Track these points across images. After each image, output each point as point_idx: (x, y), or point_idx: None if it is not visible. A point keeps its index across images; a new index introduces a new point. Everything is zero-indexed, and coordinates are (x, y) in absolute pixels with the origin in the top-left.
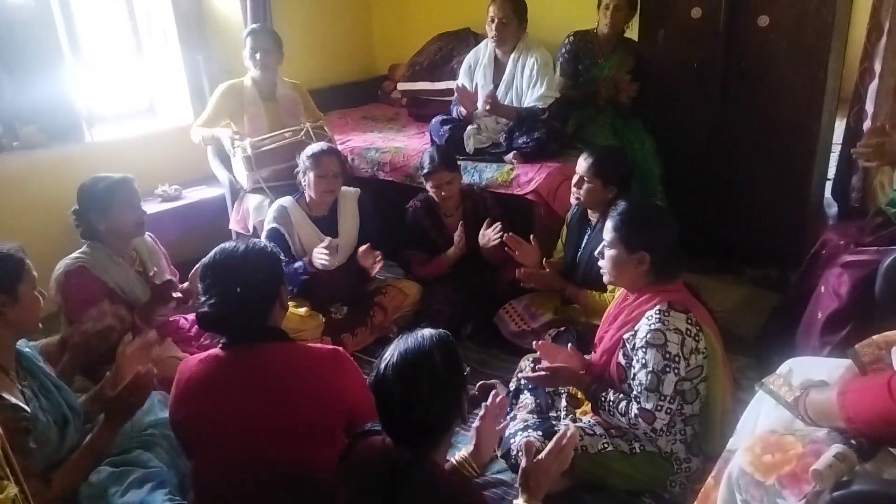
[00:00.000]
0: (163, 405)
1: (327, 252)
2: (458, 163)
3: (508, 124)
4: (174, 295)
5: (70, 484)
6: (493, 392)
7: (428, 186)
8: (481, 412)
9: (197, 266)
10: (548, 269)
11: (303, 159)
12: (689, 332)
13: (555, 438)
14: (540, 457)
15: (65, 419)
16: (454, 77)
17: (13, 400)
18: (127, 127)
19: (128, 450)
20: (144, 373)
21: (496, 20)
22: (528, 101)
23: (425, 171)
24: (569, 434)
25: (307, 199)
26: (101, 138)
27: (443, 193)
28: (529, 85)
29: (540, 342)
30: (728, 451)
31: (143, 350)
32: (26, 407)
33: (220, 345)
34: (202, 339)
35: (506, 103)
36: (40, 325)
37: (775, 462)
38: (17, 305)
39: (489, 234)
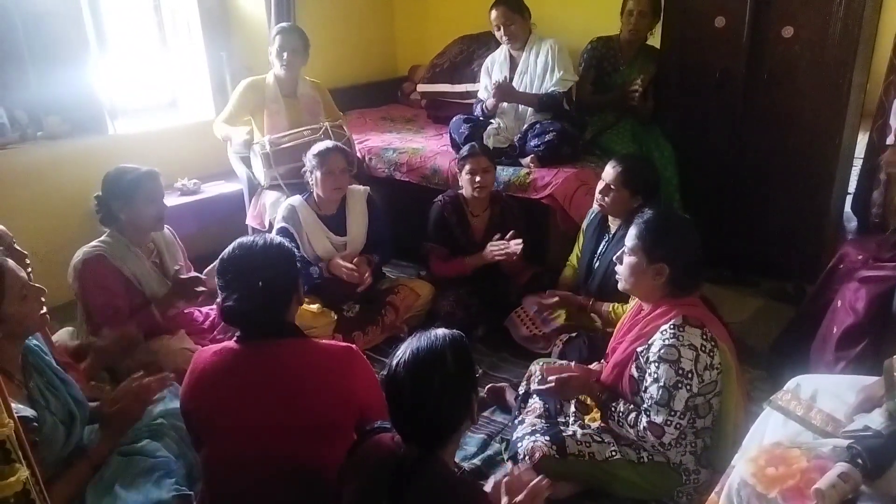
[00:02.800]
0: (173, 396)
1: (357, 269)
2: None
3: (527, 124)
4: (198, 289)
5: (67, 496)
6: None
7: (463, 173)
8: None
9: (215, 263)
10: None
11: (309, 158)
12: (703, 348)
13: (533, 482)
14: (518, 499)
15: (71, 416)
16: (474, 80)
17: (21, 411)
18: (149, 120)
19: (137, 439)
20: (147, 385)
21: (501, 27)
22: (547, 85)
23: (465, 153)
24: (543, 483)
25: (316, 198)
26: (124, 131)
27: (477, 179)
28: (546, 71)
29: (545, 365)
30: (732, 467)
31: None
32: (33, 414)
33: (234, 338)
34: (215, 333)
35: (522, 90)
36: (47, 317)
37: (778, 475)
38: (6, 323)
39: (493, 251)
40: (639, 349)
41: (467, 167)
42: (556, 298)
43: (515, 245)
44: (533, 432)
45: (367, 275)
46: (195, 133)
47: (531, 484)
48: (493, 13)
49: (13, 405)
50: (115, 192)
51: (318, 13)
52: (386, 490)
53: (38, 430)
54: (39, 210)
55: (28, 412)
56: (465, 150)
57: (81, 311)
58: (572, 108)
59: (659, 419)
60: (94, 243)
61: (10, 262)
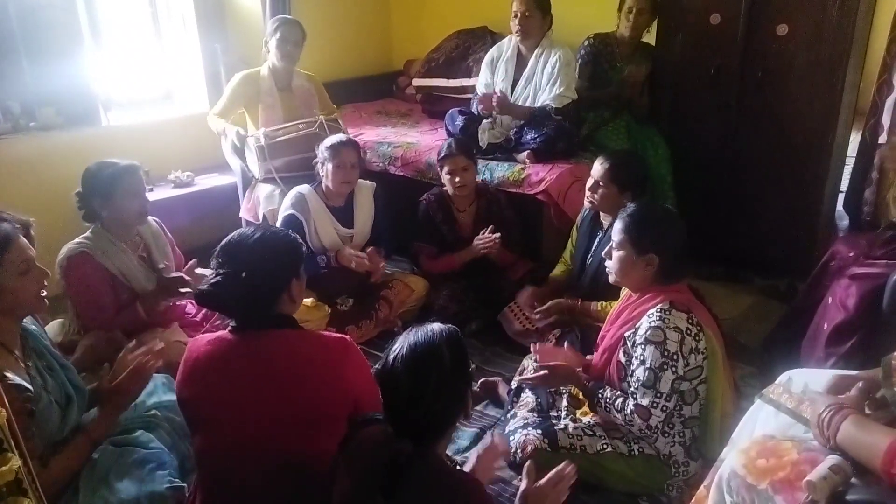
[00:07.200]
0: (167, 388)
1: (366, 256)
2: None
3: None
4: (182, 290)
5: (67, 469)
6: (492, 434)
7: (443, 174)
8: (484, 444)
9: (193, 261)
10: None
11: (321, 150)
12: (689, 332)
13: (555, 469)
14: (539, 483)
15: (68, 398)
16: (470, 74)
17: (17, 380)
18: (143, 112)
19: (130, 430)
20: (145, 363)
21: (519, 14)
22: (544, 98)
23: (442, 155)
24: (567, 470)
25: (324, 189)
26: (117, 123)
27: (457, 180)
28: (549, 82)
29: (538, 345)
30: (721, 460)
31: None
32: (30, 386)
33: (228, 328)
34: (207, 326)
35: (524, 97)
36: (46, 301)
37: (769, 467)
38: (3, 295)
39: (478, 244)
40: (626, 334)
41: (446, 168)
42: (547, 305)
43: (495, 235)
44: (525, 426)
45: (381, 264)
46: (189, 125)
47: (554, 470)
48: (517, 1)
49: (10, 374)
50: (94, 188)
51: (314, 6)
52: (379, 485)
53: (34, 400)
54: (32, 201)
55: (23, 382)
56: (442, 150)
57: (72, 306)
58: (565, 117)
59: (645, 401)
60: (77, 240)
61: (21, 238)
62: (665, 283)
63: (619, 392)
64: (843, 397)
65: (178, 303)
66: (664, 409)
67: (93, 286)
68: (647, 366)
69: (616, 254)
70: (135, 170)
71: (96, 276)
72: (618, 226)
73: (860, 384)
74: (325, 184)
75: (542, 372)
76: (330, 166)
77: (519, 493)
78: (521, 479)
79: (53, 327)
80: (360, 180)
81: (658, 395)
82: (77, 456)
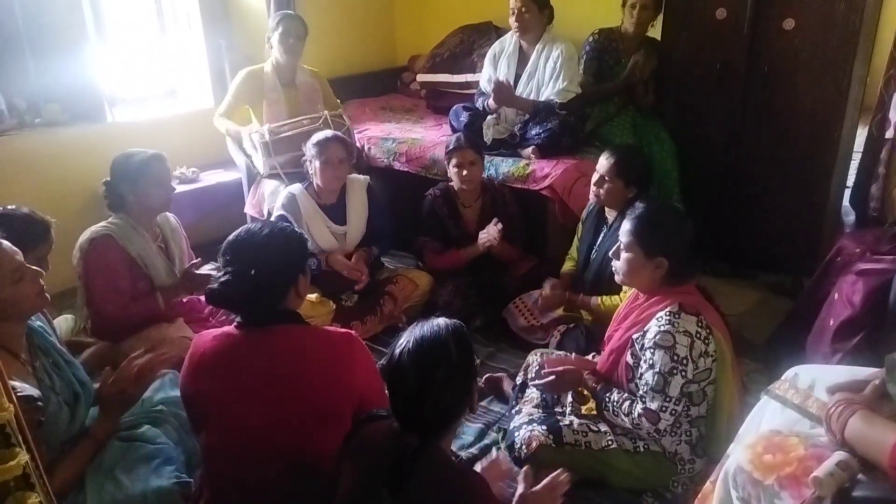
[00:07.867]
0: (173, 384)
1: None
2: None
3: (526, 116)
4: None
5: (71, 475)
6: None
7: (450, 167)
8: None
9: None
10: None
11: (308, 147)
12: (698, 335)
13: (552, 475)
14: (536, 488)
15: (75, 396)
16: (474, 70)
17: (26, 390)
18: (148, 109)
19: (136, 425)
20: (147, 366)
21: (515, 10)
22: (548, 92)
23: (451, 147)
24: (562, 478)
25: (315, 187)
26: (123, 119)
27: (464, 173)
28: (551, 77)
29: (545, 356)
30: (727, 456)
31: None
32: (38, 393)
33: (234, 323)
34: (213, 321)
35: (526, 93)
36: (48, 297)
37: (776, 462)
38: (2, 306)
39: (483, 237)
40: (634, 336)
41: (454, 161)
42: (548, 291)
43: (496, 229)
44: (530, 422)
45: (364, 274)
46: (194, 122)
47: (550, 476)
48: None
49: (19, 384)
50: (123, 174)
51: (318, 2)
52: (384, 479)
53: (43, 409)
54: (37, 198)
55: (33, 391)
56: (451, 143)
57: (82, 295)
58: (569, 112)
59: (654, 405)
60: (102, 224)
61: (5, 245)
62: (674, 285)
63: (626, 395)
64: (858, 395)
65: (185, 300)
66: (673, 412)
67: (112, 268)
68: (657, 370)
69: (624, 255)
70: (162, 158)
71: (117, 258)
72: (626, 227)
73: (876, 382)
74: (315, 181)
75: (549, 378)
76: (317, 164)
77: (516, 497)
78: (519, 482)
79: (60, 322)
80: (353, 175)
81: (667, 399)
82: (80, 462)
